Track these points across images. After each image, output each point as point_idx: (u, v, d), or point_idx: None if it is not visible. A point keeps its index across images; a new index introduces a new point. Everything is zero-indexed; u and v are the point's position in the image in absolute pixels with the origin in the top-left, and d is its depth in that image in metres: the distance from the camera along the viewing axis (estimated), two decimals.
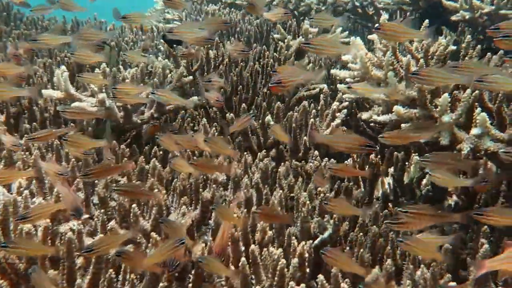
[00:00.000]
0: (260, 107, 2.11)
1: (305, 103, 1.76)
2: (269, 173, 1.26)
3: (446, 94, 1.10)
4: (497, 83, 0.95)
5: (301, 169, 1.43)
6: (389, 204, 1.46)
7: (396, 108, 1.17)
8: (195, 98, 1.65)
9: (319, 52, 1.12)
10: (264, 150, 1.61)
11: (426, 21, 1.35)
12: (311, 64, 2.31)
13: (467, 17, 2.44)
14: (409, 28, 1.07)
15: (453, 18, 2.53)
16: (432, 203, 1.45)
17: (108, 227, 0.99)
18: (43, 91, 1.44)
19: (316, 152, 1.64)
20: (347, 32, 2.61)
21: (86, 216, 1.07)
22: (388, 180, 1.59)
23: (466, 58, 1.31)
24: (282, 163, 1.56)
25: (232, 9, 3.62)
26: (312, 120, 1.66)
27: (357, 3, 3.71)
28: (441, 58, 1.24)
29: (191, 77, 1.80)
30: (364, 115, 1.31)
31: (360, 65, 1.34)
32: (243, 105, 1.77)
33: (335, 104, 1.74)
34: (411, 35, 1.10)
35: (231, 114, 1.78)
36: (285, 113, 2.17)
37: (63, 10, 1.72)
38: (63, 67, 1.47)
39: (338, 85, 1.39)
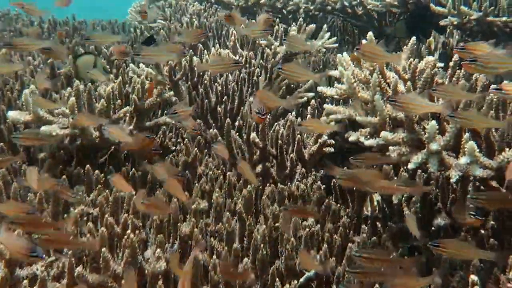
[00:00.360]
0: (246, 118, 2.04)
1: (292, 117, 1.69)
2: (253, 201, 1.20)
3: (433, 122, 1.06)
4: (468, 120, 0.94)
5: (287, 190, 1.37)
6: (378, 224, 1.42)
7: (384, 134, 1.12)
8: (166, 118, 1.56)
9: (291, 78, 1.12)
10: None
11: (413, 38, 1.30)
12: None
13: (455, 22, 2.41)
14: (386, 52, 1.09)
15: (442, 23, 2.49)
16: (420, 223, 1.41)
17: (75, 273, 0.92)
18: (9, 113, 1.33)
19: (303, 170, 1.59)
20: (335, 38, 2.55)
21: (52, 258, 0.99)
22: (377, 197, 1.55)
23: (453, 78, 1.27)
24: (269, 183, 1.49)
25: (219, 7, 3.52)
26: (299, 136, 1.60)
27: (346, 3, 3.65)
28: (428, 80, 1.20)
29: (172, 92, 1.72)
30: (351, 137, 1.26)
31: (347, 86, 1.28)
32: (228, 120, 1.69)
33: (322, 119, 1.68)
34: (389, 59, 1.12)
35: (215, 130, 1.71)
36: (272, 124, 2.11)
37: (29, 14, 1.67)
38: (32, 86, 1.37)
39: (325, 106, 1.33)
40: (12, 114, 1.31)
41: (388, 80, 1.25)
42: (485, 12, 2.29)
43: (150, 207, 0.96)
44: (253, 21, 1.87)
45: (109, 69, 2.06)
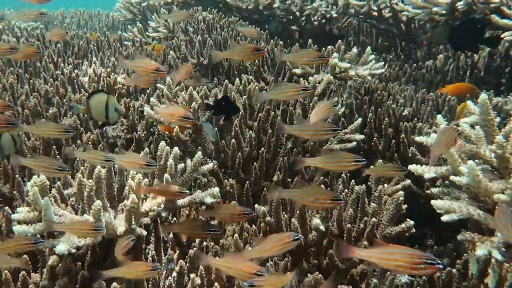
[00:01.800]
0: (284, 169, 1.67)
1: (358, 188, 1.31)
2: None
3: None
4: None
5: None
6: None
7: None
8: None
9: None
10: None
11: None
12: (343, 109, 1.86)
13: None
14: None
15: (508, 37, 2.09)
16: None
17: None
18: (13, 217, 0.93)
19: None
20: (382, 63, 2.14)
21: None
22: None
23: None
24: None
25: (229, 19, 3.10)
26: (374, 219, 1.22)
27: (374, 7, 3.28)
28: None
29: (211, 164, 1.33)
30: (479, 251, 0.89)
31: (469, 180, 0.90)
32: (276, 191, 1.31)
33: (392, 190, 1.29)
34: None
35: (262, 207, 1.33)
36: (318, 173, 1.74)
37: None
38: (38, 178, 0.95)
39: (433, 202, 0.95)
40: (18, 228, 0.91)
41: None
42: None
43: None
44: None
45: (121, 108, 1.73)
